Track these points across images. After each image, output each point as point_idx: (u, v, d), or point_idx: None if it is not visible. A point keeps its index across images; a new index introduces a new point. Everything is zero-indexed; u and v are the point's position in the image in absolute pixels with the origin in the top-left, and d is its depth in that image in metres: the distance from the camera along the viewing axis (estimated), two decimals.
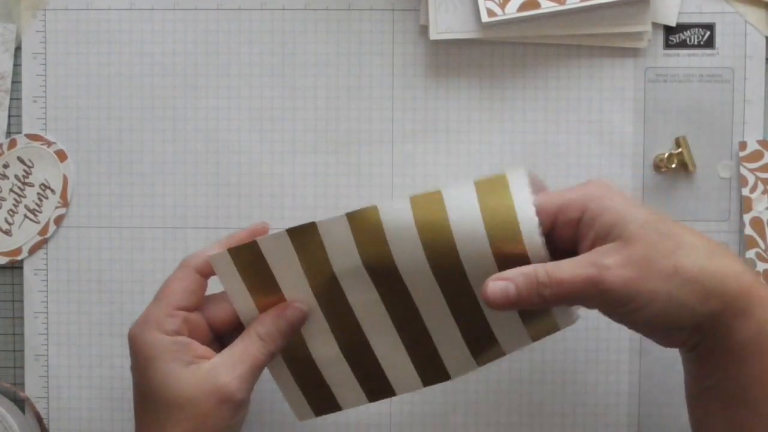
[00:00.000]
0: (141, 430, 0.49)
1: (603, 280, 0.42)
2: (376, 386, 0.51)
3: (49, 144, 0.60)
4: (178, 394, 0.47)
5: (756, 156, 0.58)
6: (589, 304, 0.44)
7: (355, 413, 0.59)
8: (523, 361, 0.59)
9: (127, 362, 0.50)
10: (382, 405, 0.59)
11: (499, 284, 0.44)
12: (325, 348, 0.50)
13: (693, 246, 0.43)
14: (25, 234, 0.60)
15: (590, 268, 0.42)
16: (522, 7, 0.56)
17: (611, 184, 0.46)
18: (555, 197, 0.45)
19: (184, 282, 0.50)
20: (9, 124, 0.60)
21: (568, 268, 0.43)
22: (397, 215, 0.46)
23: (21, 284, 0.60)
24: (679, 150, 0.58)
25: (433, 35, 0.57)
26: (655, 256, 0.42)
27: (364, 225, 0.47)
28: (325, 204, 0.59)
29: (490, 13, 0.56)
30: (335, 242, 0.48)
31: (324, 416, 0.52)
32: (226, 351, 0.49)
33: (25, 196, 0.60)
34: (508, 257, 0.45)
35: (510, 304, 0.44)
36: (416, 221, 0.46)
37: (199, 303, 0.50)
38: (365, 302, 0.49)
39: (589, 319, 0.59)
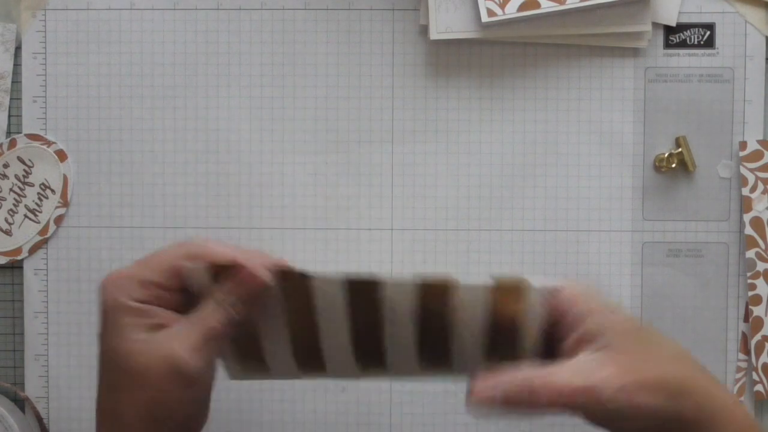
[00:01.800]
0: (99, 393, 0.47)
1: (601, 392, 0.41)
2: (310, 361, 0.48)
3: (49, 144, 0.60)
4: (132, 362, 0.45)
5: (756, 156, 0.58)
6: (578, 413, 0.43)
7: (355, 413, 0.59)
8: None
9: None
10: (382, 404, 0.59)
11: (489, 387, 0.43)
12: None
13: (676, 357, 0.44)
14: (25, 234, 0.60)
15: (587, 380, 0.41)
16: (522, 7, 0.56)
17: (589, 285, 0.46)
18: None
19: (175, 263, 0.46)
20: (9, 124, 0.60)
21: (565, 377, 0.42)
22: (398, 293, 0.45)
23: (21, 284, 0.60)
24: (679, 150, 0.58)
25: (433, 35, 0.57)
26: (643, 367, 0.42)
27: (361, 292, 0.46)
28: (324, 204, 0.59)
29: (490, 13, 0.56)
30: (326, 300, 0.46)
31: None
32: (183, 318, 0.46)
33: (25, 196, 0.60)
34: (500, 318, 0.45)
35: (495, 405, 0.43)
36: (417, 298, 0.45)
37: (178, 286, 0.47)
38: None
39: None
